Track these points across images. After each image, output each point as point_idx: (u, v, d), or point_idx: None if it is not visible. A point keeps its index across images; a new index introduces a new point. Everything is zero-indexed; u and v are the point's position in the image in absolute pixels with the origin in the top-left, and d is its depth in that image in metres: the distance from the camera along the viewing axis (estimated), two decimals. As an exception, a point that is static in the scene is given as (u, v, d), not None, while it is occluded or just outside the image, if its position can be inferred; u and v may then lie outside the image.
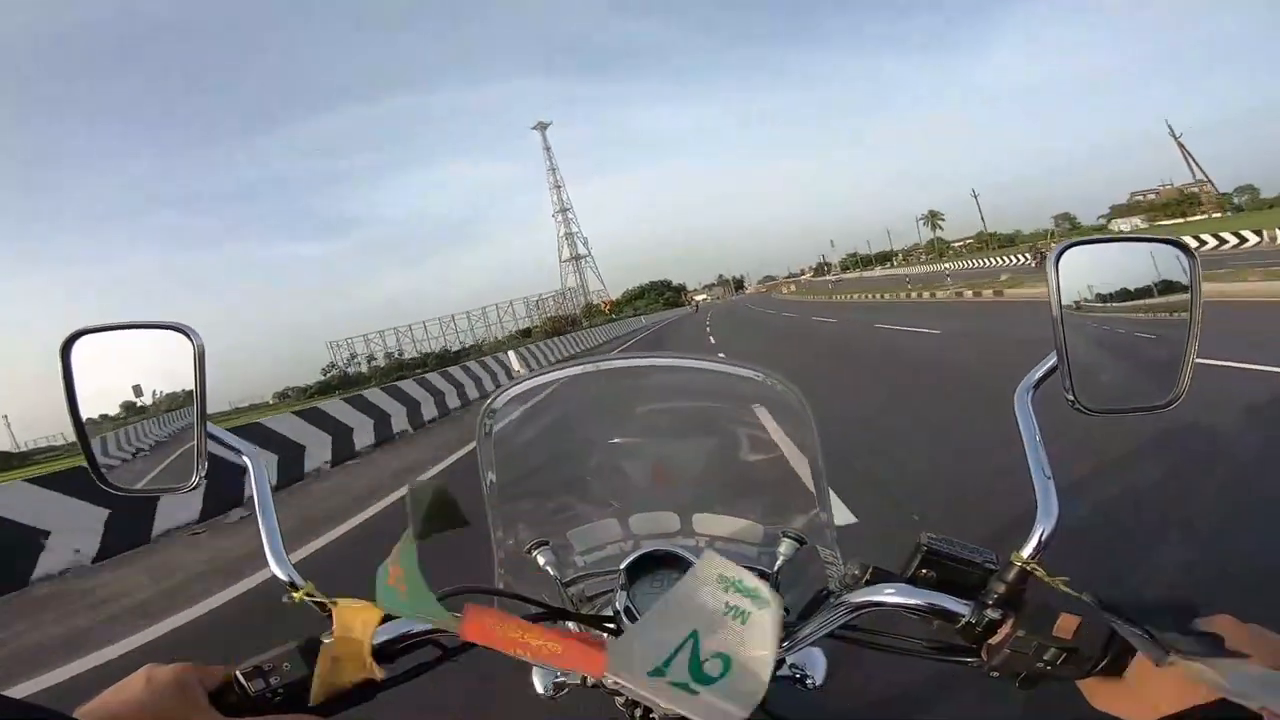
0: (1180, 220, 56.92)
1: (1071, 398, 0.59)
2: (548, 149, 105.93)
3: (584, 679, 0.60)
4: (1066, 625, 0.47)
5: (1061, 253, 0.59)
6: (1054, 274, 0.58)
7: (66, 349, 0.53)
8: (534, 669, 0.70)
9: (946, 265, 48.14)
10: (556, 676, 0.76)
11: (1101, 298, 0.61)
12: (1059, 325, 0.58)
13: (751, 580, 0.51)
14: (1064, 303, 0.58)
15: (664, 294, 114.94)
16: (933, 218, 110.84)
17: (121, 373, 0.56)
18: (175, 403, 0.56)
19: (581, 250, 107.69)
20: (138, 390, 0.57)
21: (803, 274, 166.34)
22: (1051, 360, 0.59)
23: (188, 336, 0.54)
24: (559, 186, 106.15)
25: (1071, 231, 76.29)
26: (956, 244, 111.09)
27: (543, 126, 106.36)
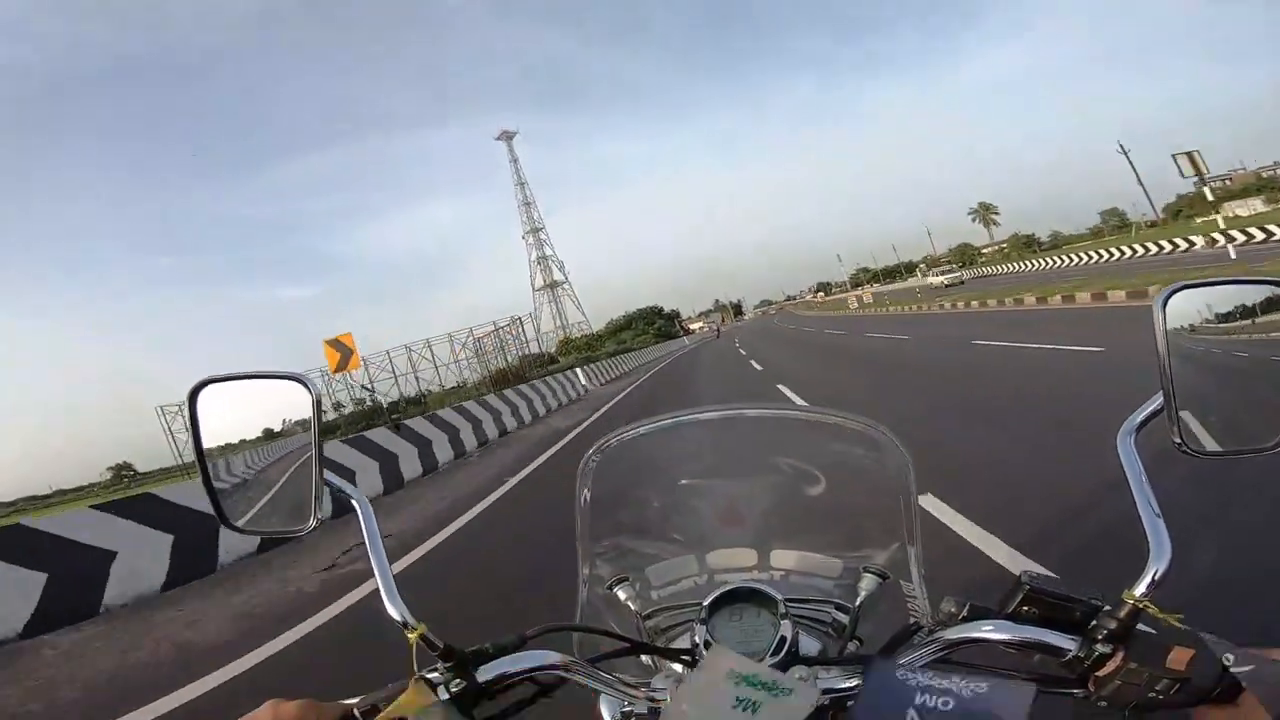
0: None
1: (1178, 440, 0.58)
2: (514, 161, 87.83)
3: (650, 709, 0.62)
4: (1180, 657, 0.46)
5: (1169, 295, 0.58)
6: (1160, 316, 0.57)
7: (194, 396, 0.56)
8: (601, 698, 0.71)
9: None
10: (624, 706, 0.77)
11: (1209, 339, 0.60)
12: (1166, 368, 0.57)
13: (769, 674, 0.52)
14: (1170, 344, 0.57)
15: (654, 323, 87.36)
16: (984, 211, 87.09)
17: (242, 419, 0.59)
18: (286, 447, 0.58)
19: (558, 276, 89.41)
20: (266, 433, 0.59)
21: (801, 295, 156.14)
22: (1156, 402, 0.58)
23: (306, 386, 0.56)
24: (529, 204, 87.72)
25: (1121, 229, 60.17)
26: (987, 249, 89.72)
27: (508, 136, 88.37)
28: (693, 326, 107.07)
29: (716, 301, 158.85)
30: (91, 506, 5.29)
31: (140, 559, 5.02)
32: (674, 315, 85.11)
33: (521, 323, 38.17)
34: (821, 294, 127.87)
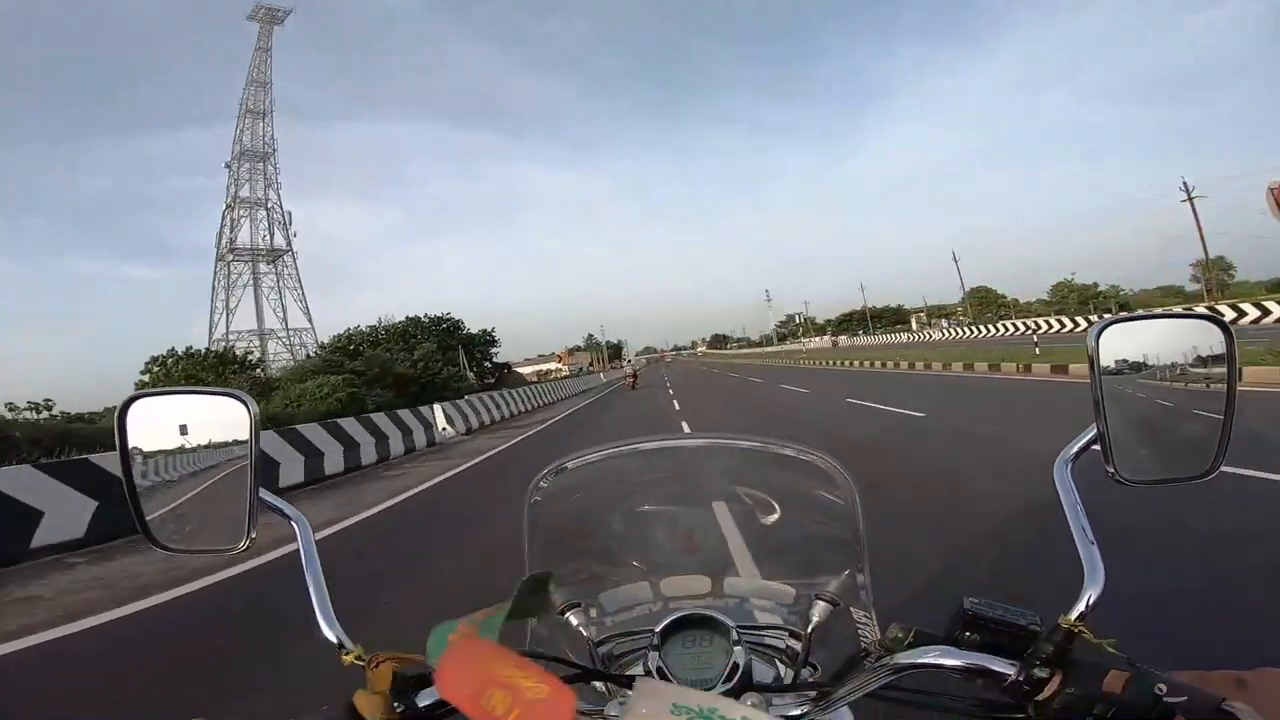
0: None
1: (1111, 469, 0.60)
2: (265, 51, 51.06)
3: None
4: (1115, 681, 0.48)
5: (1102, 330, 0.60)
6: (1094, 349, 0.59)
7: (123, 412, 0.54)
8: None
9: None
10: None
11: (1140, 372, 0.62)
12: (1099, 399, 0.59)
13: (709, 701, 0.48)
14: (1103, 377, 0.59)
15: (418, 349, 28.33)
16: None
17: (175, 435, 0.57)
18: (223, 463, 0.56)
19: (279, 241, 48.64)
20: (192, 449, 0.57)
21: (694, 348, 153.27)
22: (1090, 432, 0.60)
23: (243, 403, 0.55)
24: (263, 114, 49.64)
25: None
26: (958, 309, 69.63)
27: (273, 18, 51.78)
28: (527, 371, 61.99)
29: (590, 337, 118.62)
30: None
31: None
32: (487, 339, 36.35)
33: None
34: (705, 345, 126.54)
